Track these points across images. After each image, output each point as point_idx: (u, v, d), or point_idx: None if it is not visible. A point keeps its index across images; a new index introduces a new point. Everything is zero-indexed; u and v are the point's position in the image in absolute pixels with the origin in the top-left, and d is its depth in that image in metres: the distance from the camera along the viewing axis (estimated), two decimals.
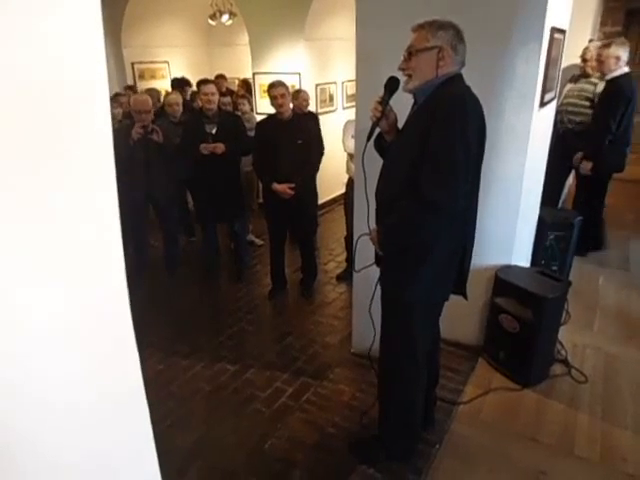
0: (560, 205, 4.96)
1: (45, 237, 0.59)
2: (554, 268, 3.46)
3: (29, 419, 0.61)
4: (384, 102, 1.82)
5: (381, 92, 1.90)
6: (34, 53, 0.51)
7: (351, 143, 3.71)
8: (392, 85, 1.80)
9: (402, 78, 1.80)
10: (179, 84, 5.86)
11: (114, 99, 5.35)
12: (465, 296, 1.92)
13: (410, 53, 1.70)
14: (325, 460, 2.25)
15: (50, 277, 0.60)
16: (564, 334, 2.91)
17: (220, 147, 3.79)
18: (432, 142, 1.58)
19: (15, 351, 0.57)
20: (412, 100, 1.84)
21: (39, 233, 0.58)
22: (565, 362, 2.71)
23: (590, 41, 4.99)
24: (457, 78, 1.70)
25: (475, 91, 1.76)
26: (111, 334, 0.73)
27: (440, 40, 1.65)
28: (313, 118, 4.89)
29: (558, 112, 4.30)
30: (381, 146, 1.97)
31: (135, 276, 4.36)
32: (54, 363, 0.63)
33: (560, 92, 4.24)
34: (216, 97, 3.87)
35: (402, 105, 1.87)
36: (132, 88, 5.73)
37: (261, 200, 4.57)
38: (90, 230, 0.63)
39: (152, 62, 7.42)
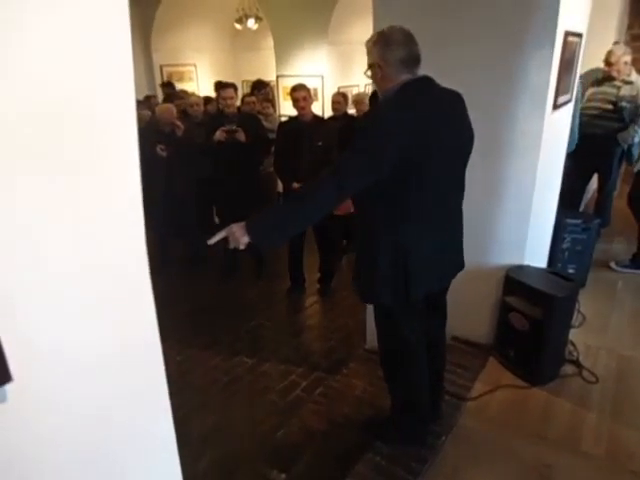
0: (582, 208, 4.92)
1: (73, 229, 0.68)
2: (571, 271, 3.47)
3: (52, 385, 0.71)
4: None
5: None
6: (67, 62, 0.61)
7: None
8: (374, 99, 1.91)
9: None
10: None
11: (144, 102, 5.56)
12: (412, 303, 1.87)
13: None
14: (333, 448, 2.34)
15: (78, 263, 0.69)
16: (577, 336, 2.91)
17: (241, 133, 3.92)
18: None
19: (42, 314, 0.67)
20: None
21: (69, 228, 0.67)
22: (576, 363, 2.71)
23: (615, 43, 4.94)
24: (408, 86, 1.67)
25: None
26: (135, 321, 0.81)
27: (374, 56, 1.70)
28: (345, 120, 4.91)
29: (580, 115, 4.29)
30: None
31: (157, 272, 4.52)
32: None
33: (582, 96, 4.23)
34: (234, 101, 4.10)
35: None
36: (152, 97, 5.96)
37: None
38: (115, 224, 0.72)
39: (180, 65, 7.66)
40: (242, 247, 1.64)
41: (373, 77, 1.75)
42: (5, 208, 0.60)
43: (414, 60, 1.69)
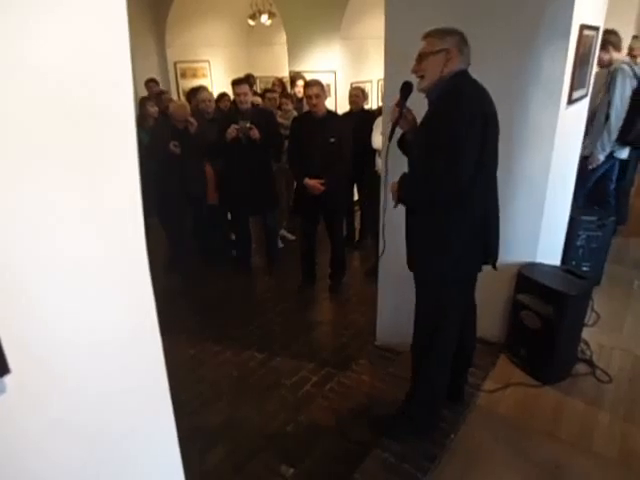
0: None
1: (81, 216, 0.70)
2: (585, 269, 3.42)
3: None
4: (401, 104, 2.01)
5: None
6: (66, 58, 0.63)
7: (379, 140, 3.77)
8: (406, 89, 2.00)
9: (415, 80, 1.95)
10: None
11: (156, 97, 5.59)
12: (494, 267, 2.08)
13: (422, 56, 1.88)
14: (342, 444, 2.35)
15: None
16: (591, 335, 2.88)
17: (255, 132, 3.93)
18: (438, 130, 1.78)
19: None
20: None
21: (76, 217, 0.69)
22: (589, 362, 2.68)
23: (634, 37, 4.84)
24: (462, 73, 1.86)
25: (500, 88, 1.86)
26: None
27: (447, 43, 1.83)
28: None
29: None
30: (403, 146, 2.13)
31: (170, 267, 4.57)
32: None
33: (600, 90, 4.15)
34: (249, 97, 4.11)
35: (418, 104, 1.99)
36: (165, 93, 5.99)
37: None
38: (113, 219, 0.73)
39: (194, 61, 7.68)
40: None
41: (432, 62, 1.84)
42: (25, 206, 0.62)
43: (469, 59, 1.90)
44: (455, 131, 1.74)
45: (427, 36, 1.88)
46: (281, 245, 5.19)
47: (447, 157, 1.75)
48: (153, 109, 4.88)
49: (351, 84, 5.98)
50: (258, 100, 5.21)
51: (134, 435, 0.83)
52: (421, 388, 2.19)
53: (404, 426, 2.23)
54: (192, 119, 4.16)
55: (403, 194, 1.96)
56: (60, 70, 0.62)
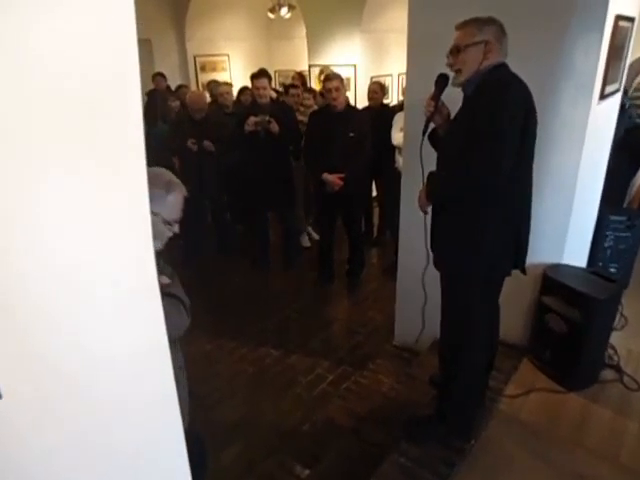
0: (625, 205, 4.68)
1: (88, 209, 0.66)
2: (613, 270, 3.30)
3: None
4: (436, 98, 1.93)
5: (430, 85, 1.97)
6: (68, 56, 0.59)
7: (399, 136, 3.68)
8: (442, 81, 1.92)
9: (450, 74, 1.87)
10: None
11: (174, 92, 5.59)
12: (524, 271, 2.02)
13: (458, 49, 1.78)
14: (359, 446, 2.30)
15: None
16: (619, 339, 2.77)
17: (274, 125, 3.90)
18: (479, 121, 1.69)
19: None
20: (461, 93, 1.88)
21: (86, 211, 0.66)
22: (617, 368, 2.58)
23: None
24: (502, 66, 1.78)
25: (530, 82, 1.77)
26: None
27: (486, 34, 1.75)
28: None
29: (628, 106, 4.06)
30: (434, 141, 2.06)
31: (187, 261, 4.56)
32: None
33: (630, 84, 4.00)
34: (268, 91, 4.07)
35: (450, 99, 1.93)
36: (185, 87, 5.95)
37: None
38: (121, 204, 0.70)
39: (213, 55, 7.67)
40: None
41: (471, 55, 1.76)
42: (24, 209, 0.60)
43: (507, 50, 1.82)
44: (499, 119, 1.65)
45: (463, 26, 1.78)
46: (308, 244, 5.14)
47: (489, 144, 1.66)
48: (174, 104, 4.88)
49: (371, 78, 5.89)
50: (273, 95, 5.13)
51: (141, 452, 0.79)
52: (455, 391, 2.12)
53: (443, 428, 2.15)
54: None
55: (435, 191, 1.88)
56: (61, 68, 0.58)
